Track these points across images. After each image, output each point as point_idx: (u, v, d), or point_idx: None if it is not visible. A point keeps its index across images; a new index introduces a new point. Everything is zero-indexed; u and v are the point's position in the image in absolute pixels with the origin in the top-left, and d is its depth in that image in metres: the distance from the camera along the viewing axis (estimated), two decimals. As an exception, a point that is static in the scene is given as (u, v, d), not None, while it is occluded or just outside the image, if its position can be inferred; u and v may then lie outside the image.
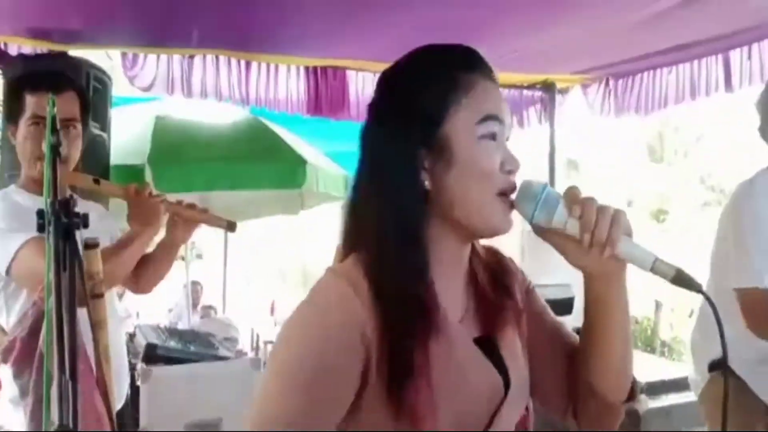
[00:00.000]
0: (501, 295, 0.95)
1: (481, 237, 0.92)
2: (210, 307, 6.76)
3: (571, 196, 0.82)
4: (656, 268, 0.79)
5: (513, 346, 0.93)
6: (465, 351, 0.88)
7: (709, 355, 1.93)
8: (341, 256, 0.90)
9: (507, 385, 0.89)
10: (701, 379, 1.98)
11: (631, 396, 0.93)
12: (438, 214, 0.86)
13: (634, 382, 0.94)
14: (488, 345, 0.91)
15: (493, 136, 0.85)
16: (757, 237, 1.81)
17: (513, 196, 0.86)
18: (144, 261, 1.86)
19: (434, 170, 0.84)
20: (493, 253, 1.00)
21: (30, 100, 1.72)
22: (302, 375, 0.80)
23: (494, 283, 0.96)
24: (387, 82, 0.92)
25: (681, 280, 0.79)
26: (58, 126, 1.65)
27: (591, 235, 0.80)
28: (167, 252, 1.95)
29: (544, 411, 0.99)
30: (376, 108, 0.91)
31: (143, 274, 1.91)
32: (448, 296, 0.88)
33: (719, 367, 1.89)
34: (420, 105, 0.85)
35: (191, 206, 1.89)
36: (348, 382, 0.81)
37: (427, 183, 0.84)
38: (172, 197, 1.89)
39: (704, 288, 0.80)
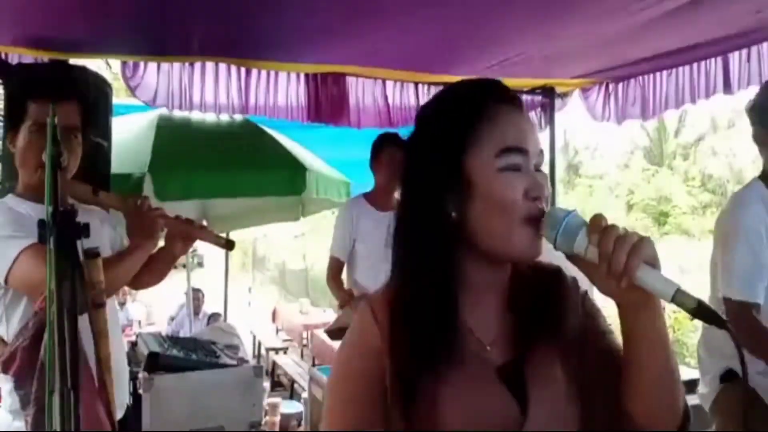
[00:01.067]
0: (543, 317, 0.93)
1: (510, 262, 0.93)
2: (218, 314, 6.77)
3: (593, 224, 0.81)
4: (677, 299, 0.77)
5: (548, 373, 0.90)
6: (483, 379, 0.88)
7: (717, 368, 1.95)
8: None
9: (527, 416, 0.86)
10: (711, 391, 1.99)
11: (682, 428, 0.88)
12: (466, 242, 0.88)
13: (687, 413, 0.89)
14: (515, 371, 0.89)
15: (515, 167, 0.86)
16: (743, 247, 1.82)
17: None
18: (144, 263, 1.84)
19: (459, 201, 0.87)
20: (550, 273, 0.98)
21: (32, 108, 1.72)
22: (344, 393, 0.91)
23: (539, 305, 0.94)
24: (419, 118, 0.95)
25: (702, 312, 0.76)
26: (59, 135, 1.68)
27: (608, 264, 0.78)
28: (165, 262, 1.96)
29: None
30: (410, 143, 0.95)
31: (141, 275, 1.89)
32: (477, 321, 0.91)
33: (731, 377, 1.92)
34: (442, 138, 0.88)
35: (189, 222, 1.89)
36: (379, 393, 0.87)
37: (453, 214, 0.87)
38: (172, 209, 1.88)
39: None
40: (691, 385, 3.07)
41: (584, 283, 0.97)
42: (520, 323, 0.93)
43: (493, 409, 0.86)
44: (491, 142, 0.86)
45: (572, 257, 0.85)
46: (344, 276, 3.13)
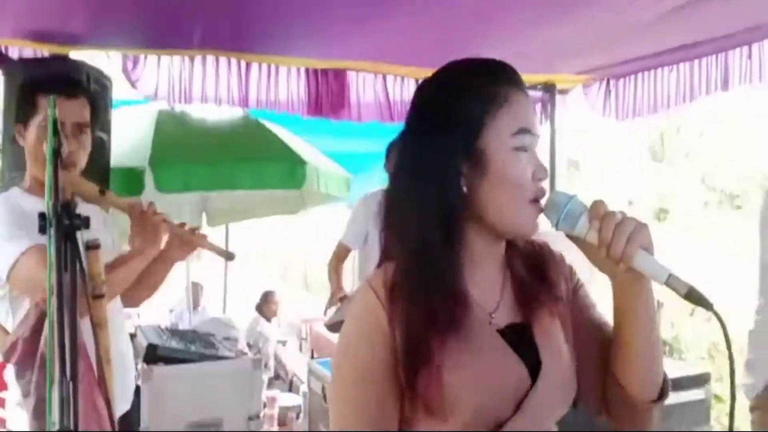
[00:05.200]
0: (539, 284, 0.99)
1: (509, 238, 0.97)
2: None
3: (594, 210, 0.88)
4: (670, 283, 0.84)
5: (551, 335, 0.96)
6: (489, 344, 0.91)
7: None
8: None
9: (536, 374, 0.91)
10: (757, 382, 1.89)
11: (661, 396, 0.97)
12: (472, 216, 0.92)
13: (665, 382, 0.97)
14: (518, 335, 0.94)
15: (525, 148, 0.91)
16: None
17: (543, 202, 0.92)
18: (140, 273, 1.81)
19: (470, 177, 0.90)
20: (540, 246, 1.05)
21: (43, 103, 1.70)
22: (354, 374, 0.91)
23: (533, 274, 1.00)
24: (426, 94, 0.97)
25: (693, 296, 0.83)
26: (69, 131, 1.68)
27: (607, 249, 0.85)
28: (160, 267, 1.92)
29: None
30: (416, 118, 0.96)
31: (134, 289, 1.85)
32: (481, 289, 0.94)
33: None
34: (459, 116, 0.91)
35: (193, 230, 1.89)
36: (391, 372, 0.88)
37: (464, 187, 0.90)
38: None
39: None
40: (690, 381, 3.08)
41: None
42: (519, 292, 0.98)
43: (501, 372, 0.90)
44: (509, 122, 0.90)
45: (572, 237, 0.91)
46: (351, 269, 3.11)
